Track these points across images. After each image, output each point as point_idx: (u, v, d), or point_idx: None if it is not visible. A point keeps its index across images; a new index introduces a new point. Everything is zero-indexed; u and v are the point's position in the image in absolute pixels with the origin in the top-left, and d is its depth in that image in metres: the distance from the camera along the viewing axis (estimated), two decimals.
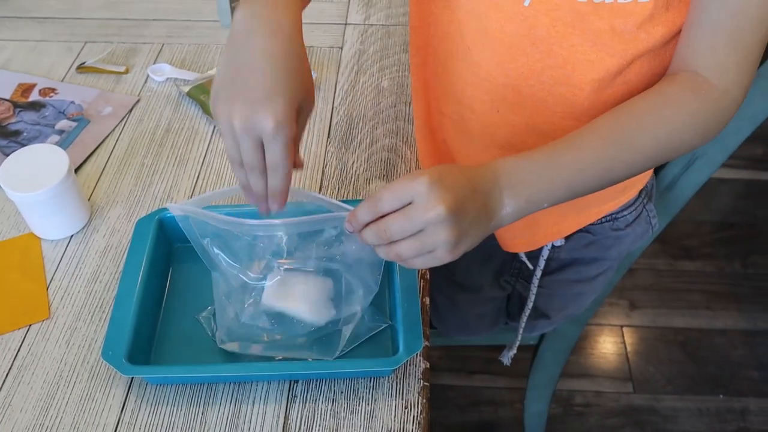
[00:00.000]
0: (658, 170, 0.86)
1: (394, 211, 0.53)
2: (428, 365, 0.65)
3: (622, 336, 1.60)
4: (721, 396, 1.49)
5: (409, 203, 0.52)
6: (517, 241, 0.84)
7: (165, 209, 0.72)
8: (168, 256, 0.73)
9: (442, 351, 1.56)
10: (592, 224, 0.81)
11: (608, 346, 1.58)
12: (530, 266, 0.87)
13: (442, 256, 0.53)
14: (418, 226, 0.52)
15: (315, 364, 0.63)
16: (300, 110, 0.56)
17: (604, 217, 0.81)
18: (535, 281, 0.88)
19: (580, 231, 0.82)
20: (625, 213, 0.81)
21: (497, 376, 1.52)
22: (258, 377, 0.64)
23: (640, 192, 0.81)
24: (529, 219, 0.81)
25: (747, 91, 0.63)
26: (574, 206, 0.79)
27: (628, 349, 1.57)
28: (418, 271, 0.70)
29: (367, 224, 0.54)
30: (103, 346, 0.61)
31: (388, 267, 0.69)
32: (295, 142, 0.56)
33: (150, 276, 0.68)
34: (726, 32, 0.60)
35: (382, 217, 0.53)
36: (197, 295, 0.70)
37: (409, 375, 0.64)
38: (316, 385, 0.64)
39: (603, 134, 0.60)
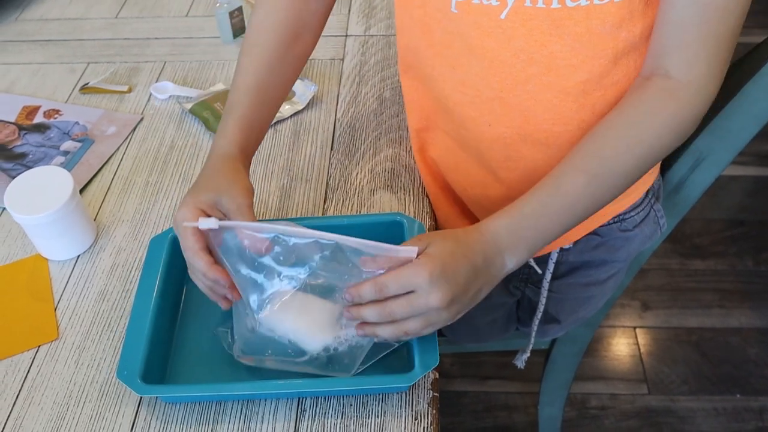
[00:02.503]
0: (664, 171, 0.86)
1: (398, 295, 0.57)
2: (437, 376, 0.65)
3: (636, 337, 1.58)
4: (738, 395, 1.48)
5: (412, 291, 0.57)
6: None
7: None
8: (182, 274, 0.72)
9: (454, 357, 1.55)
10: (599, 226, 0.81)
11: (622, 347, 1.57)
12: (539, 271, 0.86)
13: (441, 325, 0.60)
14: (420, 312, 0.57)
15: (328, 382, 0.62)
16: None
17: (611, 219, 0.80)
18: (545, 285, 0.87)
19: (588, 234, 0.81)
20: (632, 214, 0.81)
21: (510, 381, 1.51)
22: (273, 395, 0.64)
23: (647, 192, 0.81)
24: None
25: (720, 82, 0.63)
26: None
27: (642, 350, 1.56)
28: None
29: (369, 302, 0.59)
30: (117, 366, 0.61)
31: None
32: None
33: (164, 294, 0.68)
34: (695, 27, 0.59)
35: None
36: (212, 312, 0.70)
37: (419, 386, 0.64)
38: (325, 399, 0.63)
39: (585, 168, 0.63)
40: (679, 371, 1.52)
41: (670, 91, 0.62)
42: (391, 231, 0.71)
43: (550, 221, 0.62)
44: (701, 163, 0.82)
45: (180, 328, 0.69)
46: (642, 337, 1.58)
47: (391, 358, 0.66)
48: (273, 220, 0.73)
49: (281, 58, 0.72)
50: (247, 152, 0.69)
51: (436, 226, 0.77)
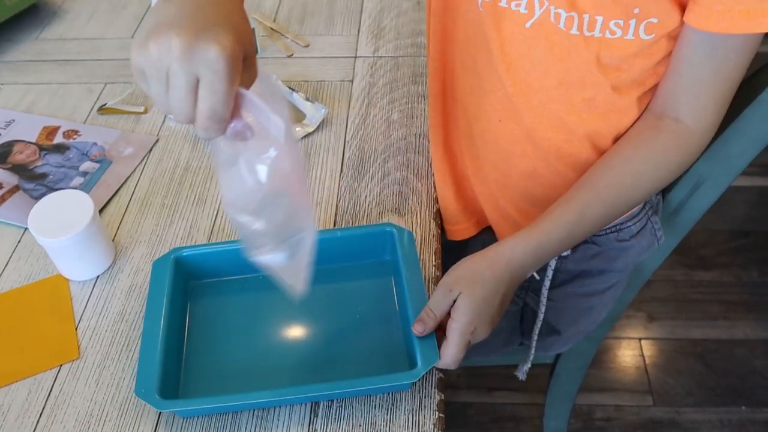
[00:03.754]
0: (664, 193, 0.88)
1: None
2: (443, 397, 0.67)
3: (641, 348, 1.60)
4: (743, 407, 1.49)
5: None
6: None
7: (179, 249, 0.75)
8: (185, 293, 0.76)
9: (460, 369, 1.57)
10: (597, 235, 0.84)
11: (627, 359, 1.59)
12: (537, 277, 0.89)
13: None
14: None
15: (336, 384, 0.65)
16: (245, 63, 0.48)
17: (608, 228, 0.84)
18: (545, 291, 0.90)
19: (585, 242, 0.85)
20: (629, 224, 0.84)
21: (516, 392, 1.53)
22: (285, 401, 0.67)
23: (644, 204, 0.84)
24: None
25: (718, 125, 0.71)
26: None
27: (647, 361, 1.58)
28: (426, 288, 0.73)
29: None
30: (135, 384, 0.64)
31: (399, 283, 0.73)
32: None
33: (171, 314, 0.71)
34: (708, 85, 0.66)
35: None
36: (217, 329, 0.73)
37: (425, 407, 0.66)
38: (335, 417, 0.66)
39: (607, 199, 0.72)
40: (685, 383, 1.54)
41: (682, 137, 0.70)
42: (381, 240, 0.76)
43: (568, 243, 0.73)
44: (700, 187, 0.84)
45: (189, 345, 0.72)
46: (647, 349, 1.60)
47: (391, 364, 0.69)
48: None
49: None
50: None
51: (442, 249, 0.80)
